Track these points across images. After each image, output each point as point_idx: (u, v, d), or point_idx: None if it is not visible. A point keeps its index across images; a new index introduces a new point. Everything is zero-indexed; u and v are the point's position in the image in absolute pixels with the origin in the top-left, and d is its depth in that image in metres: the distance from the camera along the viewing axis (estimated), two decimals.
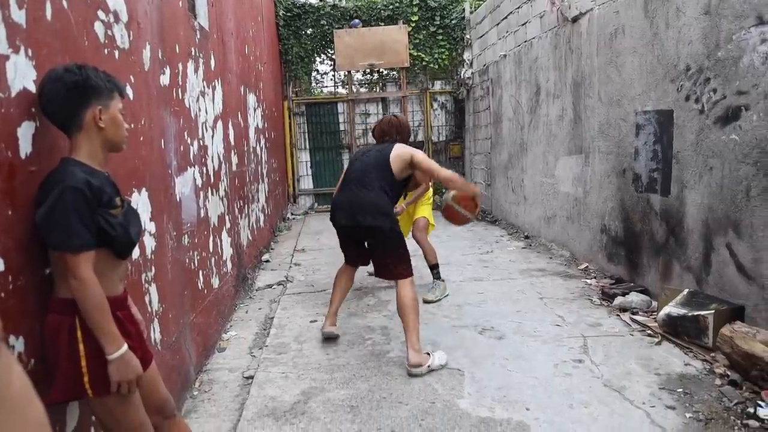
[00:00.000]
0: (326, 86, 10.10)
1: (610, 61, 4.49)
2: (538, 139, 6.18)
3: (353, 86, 9.72)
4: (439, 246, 6.39)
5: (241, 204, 5.02)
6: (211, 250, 3.74)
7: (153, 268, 2.55)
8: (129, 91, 2.36)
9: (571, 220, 5.38)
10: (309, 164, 9.87)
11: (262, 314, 4.21)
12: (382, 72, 9.85)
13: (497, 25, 7.45)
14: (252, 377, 3.10)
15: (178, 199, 3.02)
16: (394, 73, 9.81)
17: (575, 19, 5.06)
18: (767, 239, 2.92)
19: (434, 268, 4.44)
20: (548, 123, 5.85)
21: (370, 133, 4.29)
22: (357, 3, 9.52)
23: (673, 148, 3.71)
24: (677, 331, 3.24)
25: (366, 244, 3.45)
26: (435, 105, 9.87)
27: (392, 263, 3.18)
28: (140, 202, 2.44)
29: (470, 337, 3.48)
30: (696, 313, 3.14)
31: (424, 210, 4.56)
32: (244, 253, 4.96)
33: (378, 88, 9.95)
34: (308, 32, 9.40)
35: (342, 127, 9.74)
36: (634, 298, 3.79)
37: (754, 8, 2.97)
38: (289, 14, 9.25)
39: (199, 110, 3.62)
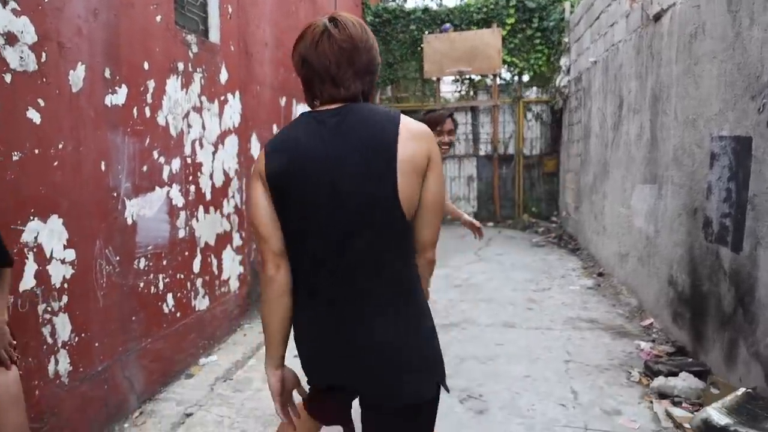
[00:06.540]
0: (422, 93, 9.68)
1: (688, 70, 3.51)
2: (618, 161, 5.18)
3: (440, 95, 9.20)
4: (495, 275, 5.71)
5: None
6: (196, 270, 3.62)
7: (64, 297, 2.45)
8: (34, 114, 2.28)
9: (642, 263, 4.38)
10: None
11: (259, 339, 4.00)
12: (474, 79, 9.17)
13: (591, 26, 6.45)
14: (191, 415, 2.88)
15: (130, 222, 2.92)
16: (487, 79, 9.09)
17: (657, 17, 4.09)
18: None
19: None
20: (628, 143, 4.86)
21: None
22: (449, 7, 8.98)
23: (749, 189, 2.74)
24: None
25: None
26: (529, 115, 8.93)
27: None
28: (44, 230, 2.33)
29: (446, 406, 2.88)
30: (744, 429, 2.24)
31: None
32: None
33: (469, 95, 9.29)
34: (398, 38, 9.09)
35: None
36: (680, 383, 2.87)
37: None
38: (378, 20, 9.02)
39: (189, 126, 3.51)
